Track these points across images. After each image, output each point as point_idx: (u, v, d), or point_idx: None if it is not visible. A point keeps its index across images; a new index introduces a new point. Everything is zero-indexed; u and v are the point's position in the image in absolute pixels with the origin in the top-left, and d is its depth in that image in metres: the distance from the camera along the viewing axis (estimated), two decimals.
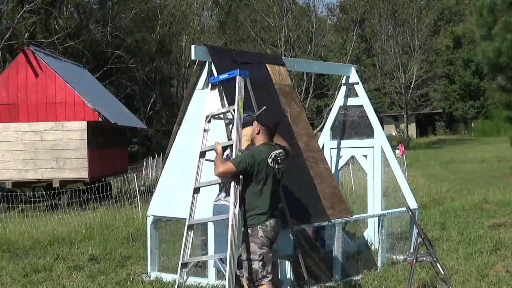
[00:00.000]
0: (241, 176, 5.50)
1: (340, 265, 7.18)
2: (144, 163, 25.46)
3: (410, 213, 6.91)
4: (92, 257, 8.96)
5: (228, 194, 6.06)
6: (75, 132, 17.39)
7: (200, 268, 7.83)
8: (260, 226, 5.54)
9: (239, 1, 49.12)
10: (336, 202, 7.40)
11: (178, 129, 7.74)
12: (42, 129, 17.35)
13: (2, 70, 22.14)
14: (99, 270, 8.22)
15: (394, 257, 8.34)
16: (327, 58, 45.30)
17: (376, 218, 8.37)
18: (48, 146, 17.30)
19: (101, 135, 18.63)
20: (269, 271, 5.52)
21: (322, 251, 8.21)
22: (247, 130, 6.00)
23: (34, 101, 17.45)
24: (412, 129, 56.24)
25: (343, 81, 9.19)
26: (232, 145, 5.75)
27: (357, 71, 9.11)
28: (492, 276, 7.07)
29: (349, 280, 7.09)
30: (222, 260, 6.27)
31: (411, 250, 7.57)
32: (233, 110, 5.89)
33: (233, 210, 5.49)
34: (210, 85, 6.49)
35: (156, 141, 37.51)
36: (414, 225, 7.33)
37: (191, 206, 5.88)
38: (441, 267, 6.34)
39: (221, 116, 6.27)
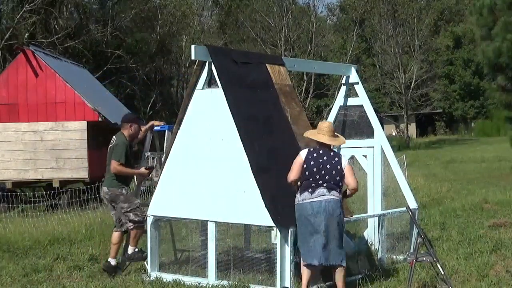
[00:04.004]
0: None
1: None
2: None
3: (410, 213, 6.92)
4: (92, 257, 8.97)
5: (330, 189, 6.39)
6: (75, 132, 17.39)
7: (200, 268, 7.83)
8: None
9: (239, 1, 49.06)
10: None
11: (178, 129, 7.75)
12: (42, 129, 17.34)
13: (2, 70, 22.11)
14: (99, 270, 8.22)
15: (394, 257, 8.34)
16: (327, 58, 45.25)
17: (376, 218, 8.36)
18: (48, 146, 17.28)
19: (101, 135, 18.58)
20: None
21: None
22: (323, 124, 6.75)
23: (34, 101, 17.43)
24: (412, 129, 56.18)
25: (343, 81, 9.18)
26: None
27: (357, 71, 9.10)
28: (492, 276, 7.07)
29: (349, 280, 7.09)
30: None
31: (411, 250, 7.57)
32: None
33: None
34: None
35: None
36: (414, 225, 7.33)
37: None
38: (441, 267, 6.34)
39: None
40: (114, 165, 7.86)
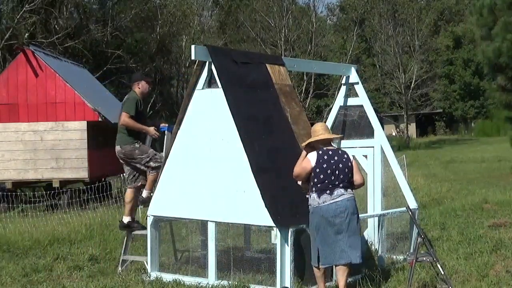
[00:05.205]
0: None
1: None
2: None
3: (410, 213, 6.92)
4: (92, 257, 8.98)
5: (346, 188, 6.41)
6: (75, 132, 17.38)
7: (200, 268, 7.84)
8: None
9: (239, 1, 49.06)
10: None
11: (178, 129, 7.75)
12: (42, 129, 17.34)
13: (2, 70, 22.11)
14: (99, 270, 8.23)
15: (394, 257, 8.34)
16: (327, 58, 45.22)
17: (376, 218, 8.37)
18: (48, 146, 17.28)
19: (101, 135, 18.60)
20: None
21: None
22: (316, 126, 6.67)
23: (34, 101, 17.43)
24: (412, 129, 56.19)
25: (343, 81, 9.19)
26: None
27: (357, 71, 9.11)
28: (492, 276, 7.08)
29: (349, 280, 7.09)
30: None
31: (411, 250, 7.57)
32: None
33: None
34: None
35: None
36: (414, 225, 7.33)
37: None
38: (441, 267, 6.34)
39: None
40: (124, 117, 8.03)
